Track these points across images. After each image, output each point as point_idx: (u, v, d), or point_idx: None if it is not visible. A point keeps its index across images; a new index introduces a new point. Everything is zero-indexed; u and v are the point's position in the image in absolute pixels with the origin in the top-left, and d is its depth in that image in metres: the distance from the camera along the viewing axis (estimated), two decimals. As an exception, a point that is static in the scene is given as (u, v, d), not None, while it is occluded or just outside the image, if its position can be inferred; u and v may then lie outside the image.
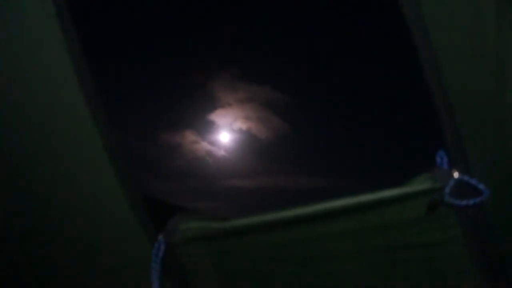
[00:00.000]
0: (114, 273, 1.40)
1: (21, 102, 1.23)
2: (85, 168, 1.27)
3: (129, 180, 1.28)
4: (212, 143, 11.22)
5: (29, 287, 1.47)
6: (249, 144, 11.37)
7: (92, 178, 1.28)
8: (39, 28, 1.14)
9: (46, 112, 1.23)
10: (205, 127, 11.17)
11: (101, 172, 1.26)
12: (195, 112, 10.95)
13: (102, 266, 1.39)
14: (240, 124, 11.28)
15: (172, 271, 1.35)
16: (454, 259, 1.19)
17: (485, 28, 0.98)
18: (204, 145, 11.18)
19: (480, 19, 0.97)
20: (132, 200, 1.30)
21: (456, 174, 1.11)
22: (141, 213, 1.31)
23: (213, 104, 10.90)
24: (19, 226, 1.38)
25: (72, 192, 1.31)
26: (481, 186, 1.08)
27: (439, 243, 1.19)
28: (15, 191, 1.33)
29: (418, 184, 1.15)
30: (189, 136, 11.11)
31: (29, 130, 1.25)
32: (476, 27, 0.98)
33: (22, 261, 1.43)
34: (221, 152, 11.31)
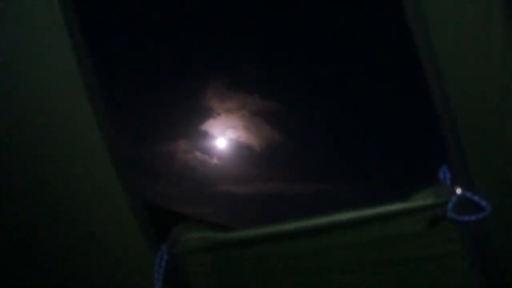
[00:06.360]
0: (117, 283, 1.39)
1: (26, 106, 1.22)
2: (89, 175, 1.27)
3: (132, 188, 1.28)
4: (204, 151, 11.26)
5: None
6: (240, 151, 11.42)
7: (96, 186, 1.28)
8: (46, 30, 1.13)
9: (52, 117, 1.22)
10: (197, 136, 11.24)
11: (106, 180, 1.25)
12: (187, 121, 11.02)
13: (105, 276, 1.38)
14: (230, 133, 11.34)
15: (175, 281, 1.34)
16: (454, 273, 1.20)
17: (491, 40, 0.97)
18: (195, 154, 11.22)
19: (486, 32, 0.97)
20: (135, 209, 1.29)
21: (458, 190, 1.12)
22: (143, 223, 1.31)
23: (203, 114, 10.99)
24: (22, 234, 1.36)
25: (76, 199, 1.30)
26: (483, 203, 1.09)
27: (439, 257, 1.19)
28: (17, 197, 1.32)
29: (421, 199, 1.16)
30: (181, 145, 11.16)
31: (34, 134, 1.24)
32: (481, 40, 0.98)
33: (24, 268, 1.42)
34: (213, 160, 11.34)
